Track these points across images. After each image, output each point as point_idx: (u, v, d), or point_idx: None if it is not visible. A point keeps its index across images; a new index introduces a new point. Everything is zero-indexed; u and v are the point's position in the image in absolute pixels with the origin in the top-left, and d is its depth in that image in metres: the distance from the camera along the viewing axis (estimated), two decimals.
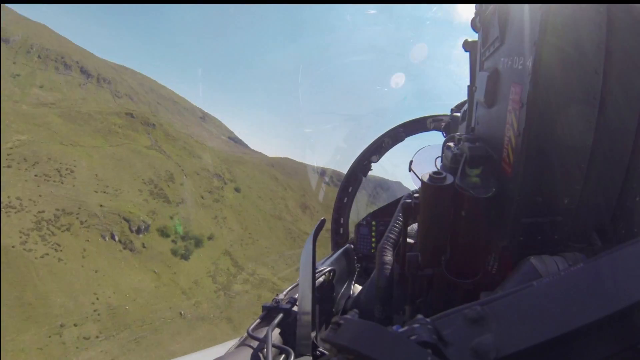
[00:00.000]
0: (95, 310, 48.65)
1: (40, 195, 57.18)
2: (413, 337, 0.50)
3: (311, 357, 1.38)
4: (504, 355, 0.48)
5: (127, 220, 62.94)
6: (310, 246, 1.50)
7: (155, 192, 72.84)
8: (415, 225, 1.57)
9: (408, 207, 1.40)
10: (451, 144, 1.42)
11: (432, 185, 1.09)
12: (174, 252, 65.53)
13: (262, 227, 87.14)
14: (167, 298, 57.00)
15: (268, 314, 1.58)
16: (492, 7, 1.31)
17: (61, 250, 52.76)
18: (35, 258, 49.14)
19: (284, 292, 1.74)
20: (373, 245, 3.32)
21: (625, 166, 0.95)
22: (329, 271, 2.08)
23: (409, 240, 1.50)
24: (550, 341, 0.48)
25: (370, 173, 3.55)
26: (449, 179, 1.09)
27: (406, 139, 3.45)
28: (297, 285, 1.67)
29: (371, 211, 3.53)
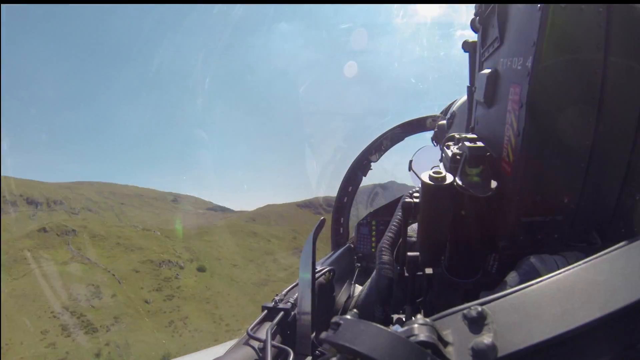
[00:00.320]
0: None
1: None
2: (412, 337, 0.50)
3: (311, 357, 1.38)
4: (503, 354, 0.48)
5: None
6: (310, 246, 1.50)
7: (72, 324, 51.44)
8: (415, 225, 1.58)
9: (408, 206, 1.40)
10: (451, 143, 1.42)
11: (431, 185, 1.09)
12: None
13: (243, 308, 62.38)
14: None
15: (268, 314, 1.58)
16: (491, 7, 1.31)
17: None
18: None
19: (284, 292, 1.74)
20: (373, 244, 3.32)
21: (625, 165, 0.96)
22: (329, 271, 2.08)
23: (409, 239, 1.50)
24: (551, 341, 0.48)
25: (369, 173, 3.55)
26: (449, 178, 1.09)
27: (405, 138, 3.45)
28: (297, 285, 1.67)
29: (371, 210, 3.54)
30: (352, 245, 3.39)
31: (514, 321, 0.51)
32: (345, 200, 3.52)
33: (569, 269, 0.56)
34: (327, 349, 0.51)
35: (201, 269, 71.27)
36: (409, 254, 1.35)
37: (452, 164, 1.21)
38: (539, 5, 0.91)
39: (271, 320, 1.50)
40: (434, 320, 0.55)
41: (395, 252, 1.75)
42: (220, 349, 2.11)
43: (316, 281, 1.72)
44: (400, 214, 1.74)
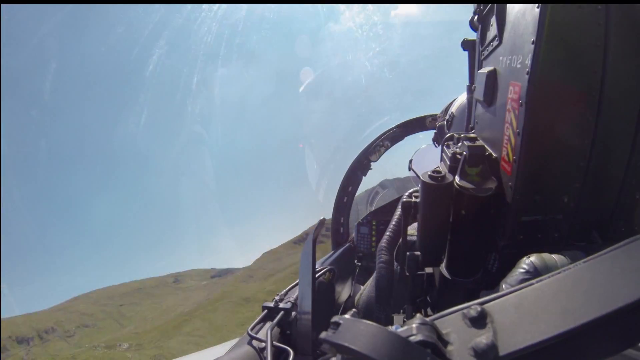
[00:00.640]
0: None
1: None
2: (412, 337, 0.50)
3: (311, 357, 1.38)
4: (503, 354, 0.48)
5: None
6: (310, 246, 1.50)
7: None
8: (415, 224, 1.58)
9: (408, 206, 1.40)
10: (450, 142, 1.42)
11: (431, 184, 1.09)
12: None
13: None
14: None
15: (268, 314, 1.58)
16: (490, 6, 1.31)
17: None
18: None
19: (284, 292, 1.74)
20: (373, 244, 3.32)
21: (625, 164, 0.96)
22: (329, 270, 2.08)
23: (409, 238, 1.50)
24: (551, 340, 0.48)
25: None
26: (449, 178, 1.09)
27: (405, 138, 3.46)
28: (297, 284, 1.67)
29: (371, 210, 3.54)
30: (353, 245, 3.40)
31: (514, 321, 0.51)
32: (345, 200, 3.52)
33: (569, 268, 0.56)
34: (327, 349, 0.50)
35: None
36: (409, 253, 1.35)
37: (451, 164, 1.21)
38: (538, 4, 0.91)
39: (271, 320, 1.50)
40: (434, 319, 0.55)
41: (395, 252, 1.75)
42: (221, 349, 2.11)
43: (316, 281, 1.72)
44: (400, 213, 1.74)
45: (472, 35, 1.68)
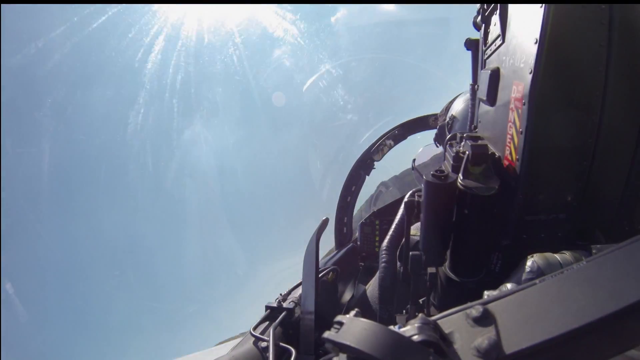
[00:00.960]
0: None
1: None
2: (415, 336, 0.50)
3: (313, 356, 1.38)
4: (506, 354, 0.48)
5: None
6: (314, 245, 1.50)
7: None
8: (418, 224, 1.57)
9: (411, 205, 1.40)
10: (453, 142, 1.42)
11: (434, 184, 1.08)
12: None
13: None
14: None
15: (270, 313, 1.58)
16: (493, 6, 1.31)
17: None
18: None
19: (287, 291, 1.74)
20: (376, 244, 3.31)
21: (628, 163, 0.95)
22: (332, 270, 2.08)
23: (412, 238, 1.50)
24: (553, 340, 0.47)
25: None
26: (452, 177, 1.09)
27: (408, 137, 3.44)
28: (300, 284, 1.67)
29: (374, 209, 3.53)
30: (356, 245, 3.39)
31: (517, 320, 0.51)
32: (348, 199, 3.51)
33: (572, 268, 0.56)
34: (330, 348, 0.51)
35: None
36: (412, 253, 1.35)
37: (455, 163, 1.20)
38: (540, 4, 0.90)
39: (274, 319, 1.50)
40: (437, 319, 0.55)
41: (398, 252, 1.75)
42: (223, 348, 2.12)
43: (320, 280, 1.72)
44: (403, 213, 1.73)
45: (465, 36, 1.69)
